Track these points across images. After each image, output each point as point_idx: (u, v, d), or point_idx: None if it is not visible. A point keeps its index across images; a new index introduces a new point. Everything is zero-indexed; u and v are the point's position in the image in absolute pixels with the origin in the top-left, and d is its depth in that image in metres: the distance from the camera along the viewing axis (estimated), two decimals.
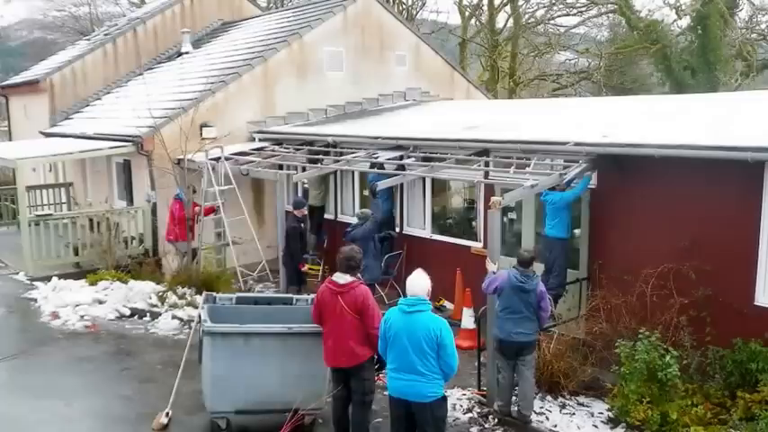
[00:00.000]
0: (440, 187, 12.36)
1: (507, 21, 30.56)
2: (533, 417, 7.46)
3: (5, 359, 8.93)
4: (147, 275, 12.24)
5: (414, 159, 11.47)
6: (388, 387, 5.86)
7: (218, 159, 12.82)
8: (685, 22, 25.93)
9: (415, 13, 32.40)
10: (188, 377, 7.44)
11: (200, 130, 13.68)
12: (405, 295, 5.81)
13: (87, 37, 23.60)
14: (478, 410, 7.69)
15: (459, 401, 7.91)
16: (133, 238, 13.73)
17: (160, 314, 10.81)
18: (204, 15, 20.61)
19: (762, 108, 9.84)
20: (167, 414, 7.14)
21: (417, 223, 12.05)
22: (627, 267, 8.43)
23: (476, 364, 8.29)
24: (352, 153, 12.14)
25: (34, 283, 12.37)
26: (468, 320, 9.66)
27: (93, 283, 11.79)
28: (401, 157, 11.56)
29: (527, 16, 30.08)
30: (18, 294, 11.87)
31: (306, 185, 14.00)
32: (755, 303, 7.65)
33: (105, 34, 20.57)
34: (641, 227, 8.68)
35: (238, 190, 14.30)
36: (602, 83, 26.03)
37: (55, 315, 10.73)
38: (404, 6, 31.57)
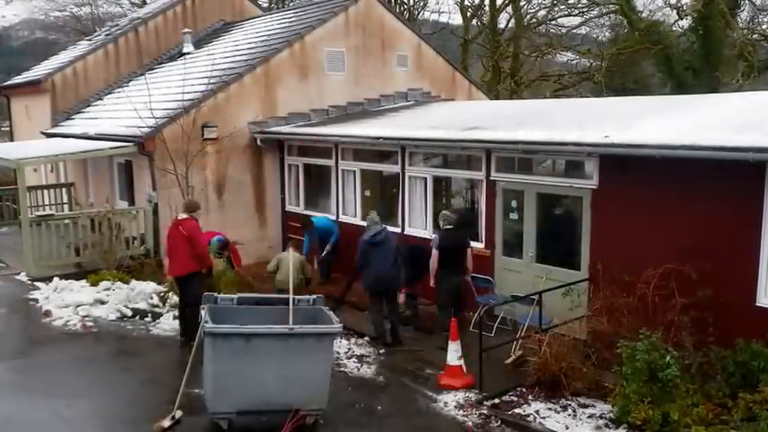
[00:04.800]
0: (441, 188, 12.37)
1: (509, 21, 30.58)
2: (534, 417, 7.47)
3: (6, 359, 8.95)
4: (148, 276, 12.25)
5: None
6: None
7: None
8: (686, 22, 25.90)
9: (416, 13, 32.43)
10: (190, 377, 7.43)
11: (202, 130, 13.71)
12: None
13: (89, 37, 23.59)
14: (481, 412, 7.70)
15: (462, 401, 7.94)
16: (134, 239, 13.74)
17: (161, 314, 10.83)
18: (205, 16, 20.64)
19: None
20: (173, 417, 7.12)
21: (419, 224, 12.06)
22: (628, 268, 8.43)
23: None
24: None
25: (35, 283, 12.37)
26: (452, 355, 8.45)
27: (94, 284, 11.80)
28: (402, 157, 11.57)
29: (528, 17, 30.07)
30: (19, 295, 11.87)
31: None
32: (757, 304, 7.65)
33: (107, 34, 20.57)
34: (642, 227, 8.67)
35: (240, 190, 14.43)
36: (603, 84, 25.97)
37: (47, 313, 10.72)
38: (405, 7, 31.59)
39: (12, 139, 22.04)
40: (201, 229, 10.20)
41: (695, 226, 8.12)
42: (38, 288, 12.04)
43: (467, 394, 8.09)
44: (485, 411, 7.70)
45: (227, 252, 12.47)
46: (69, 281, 12.02)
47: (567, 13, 29.17)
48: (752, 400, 6.79)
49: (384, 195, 13.39)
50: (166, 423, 7.04)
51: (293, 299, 7.40)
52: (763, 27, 26.86)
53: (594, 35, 31.66)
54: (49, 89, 18.70)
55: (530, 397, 7.95)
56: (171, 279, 10.30)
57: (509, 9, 29.89)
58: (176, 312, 10.76)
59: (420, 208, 12.02)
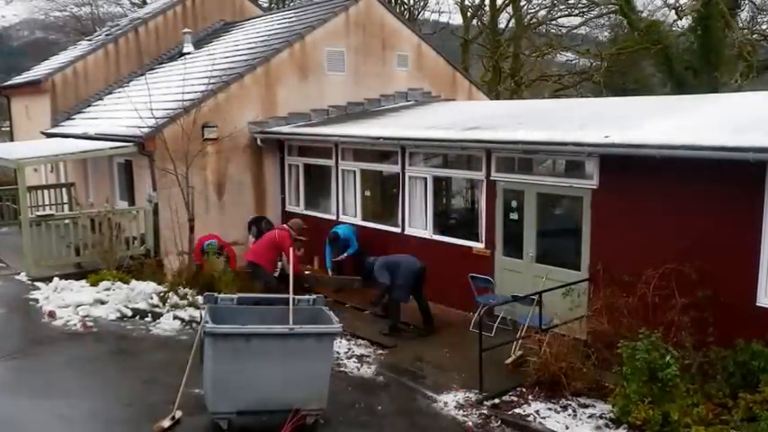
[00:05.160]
0: (441, 188, 12.37)
1: (509, 21, 30.57)
2: (534, 417, 7.47)
3: (6, 360, 8.95)
4: (148, 276, 12.24)
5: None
6: None
7: None
8: (686, 22, 25.88)
9: (416, 13, 32.43)
10: (190, 377, 7.43)
11: (202, 130, 13.71)
12: None
13: (89, 37, 23.60)
14: (481, 412, 7.70)
15: (462, 401, 7.95)
16: (134, 239, 13.73)
17: (162, 314, 10.82)
18: (206, 16, 20.64)
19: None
20: (173, 417, 7.11)
21: (419, 224, 12.06)
22: (628, 268, 8.43)
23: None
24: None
25: (35, 283, 12.35)
26: None
27: (94, 284, 11.78)
28: (402, 157, 11.58)
29: (529, 17, 30.07)
30: (19, 295, 11.86)
31: None
32: (757, 304, 7.66)
33: (107, 34, 20.57)
34: (643, 227, 8.67)
35: (240, 190, 14.45)
36: (603, 84, 25.97)
37: (52, 314, 10.72)
38: (405, 7, 31.59)
39: (12, 139, 22.03)
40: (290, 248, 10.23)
41: (695, 226, 8.12)
42: (38, 288, 12.02)
43: (467, 394, 8.10)
44: (485, 411, 7.70)
45: (226, 252, 12.55)
46: (69, 281, 12.00)
47: (567, 13, 29.20)
48: (752, 400, 6.80)
49: (384, 195, 13.40)
50: (166, 423, 7.03)
51: (293, 299, 7.40)
52: (763, 27, 26.88)
53: (594, 35, 31.68)
54: (49, 89, 18.70)
55: (530, 397, 7.95)
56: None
57: (509, 9, 29.92)
58: (176, 312, 10.79)
59: (420, 208, 12.02)
